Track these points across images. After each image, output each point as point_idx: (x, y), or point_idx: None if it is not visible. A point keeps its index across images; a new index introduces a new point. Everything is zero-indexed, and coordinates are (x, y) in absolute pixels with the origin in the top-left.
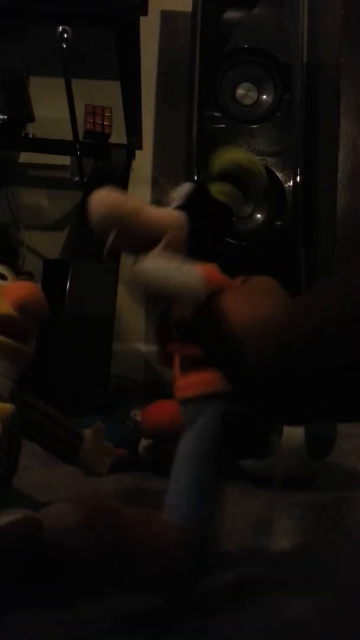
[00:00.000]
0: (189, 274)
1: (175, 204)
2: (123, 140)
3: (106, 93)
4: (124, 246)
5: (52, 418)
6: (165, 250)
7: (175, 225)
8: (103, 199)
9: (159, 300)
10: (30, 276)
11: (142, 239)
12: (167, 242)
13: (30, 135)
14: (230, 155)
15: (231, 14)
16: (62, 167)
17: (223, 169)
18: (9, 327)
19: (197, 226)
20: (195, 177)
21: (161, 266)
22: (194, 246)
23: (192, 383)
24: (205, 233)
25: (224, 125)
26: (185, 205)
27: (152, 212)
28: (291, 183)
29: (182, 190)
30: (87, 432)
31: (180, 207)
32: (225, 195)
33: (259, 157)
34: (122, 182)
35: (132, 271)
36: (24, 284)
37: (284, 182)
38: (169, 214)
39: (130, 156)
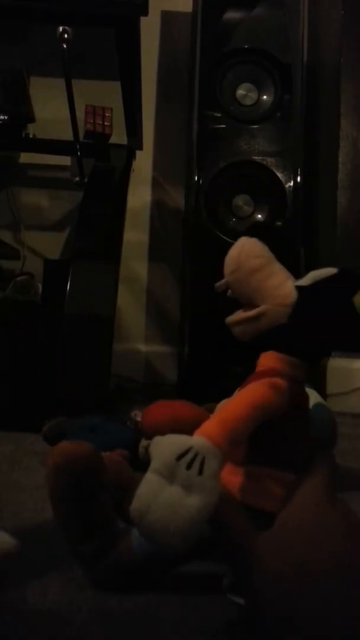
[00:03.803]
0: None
1: (303, 282)
2: (123, 140)
3: (106, 93)
4: (235, 292)
5: None
6: (253, 321)
7: (280, 302)
8: (242, 245)
9: None
10: (30, 276)
11: (245, 296)
12: (260, 312)
13: (31, 136)
14: None
15: (231, 14)
16: (62, 167)
17: None
18: None
19: (307, 319)
20: (196, 178)
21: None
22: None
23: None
24: (310, 333)
25: (224, 126)
26: (311, 290)
27: (270, 274)
28: (291, 183)
29: (320, 274)
30: None
31: (304, 288)
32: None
33: (259, 157)
34: (122, 182)
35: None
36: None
37: (284, 182)
38: (283, 287)
39: (130, 156)
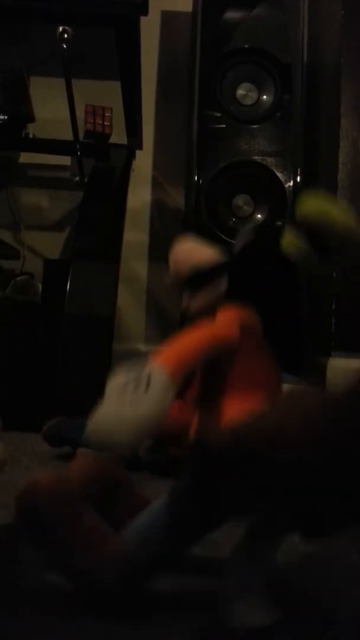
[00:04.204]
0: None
1: (235, 248)
2: (123, 140)
3: (106, 93)
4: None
5: None
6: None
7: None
8: (179, 247)
9: None
10: (30, 276)
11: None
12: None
13: (31, 136)
14: (323, 207)
15: (231, 14)
16: (62, 167)
17: (308, 217)
18: None
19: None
20: (196, 178)
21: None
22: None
23: None
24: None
25: (224, 125)
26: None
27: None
28: (291, 183)
29: (243, 236)
30: None
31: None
32: (296, 249)
33: (259, 157)
34: (122, 182)
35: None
36: None
37: (284, 182)
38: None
39: (130, 156)
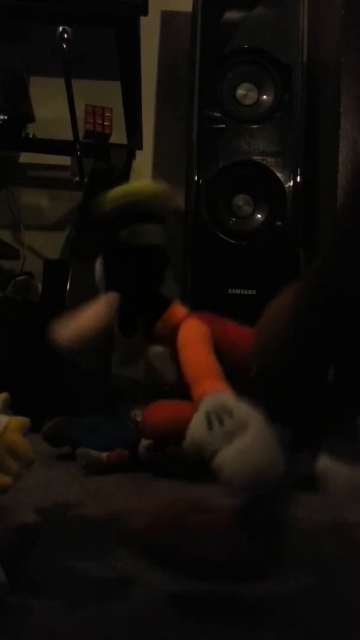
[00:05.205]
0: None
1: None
2: (123, 140)
3: (106, 93)
4: None
5: None
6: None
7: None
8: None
9: None
10: (30, 276)
11: None
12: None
13: (30, 136)
14: (119, 193)
15: (231, 14)
16: (62, 167)
17: (120, 204)
18: None
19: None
20: (196, 178)
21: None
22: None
23: None
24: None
25: (224, 126)
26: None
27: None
28: (291, 183)
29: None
30: None
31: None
32: (142, 238)
33: (259, 157)
34: (122, 182)
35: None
36: None
37: (284, 182)
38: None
39: (130, 156)
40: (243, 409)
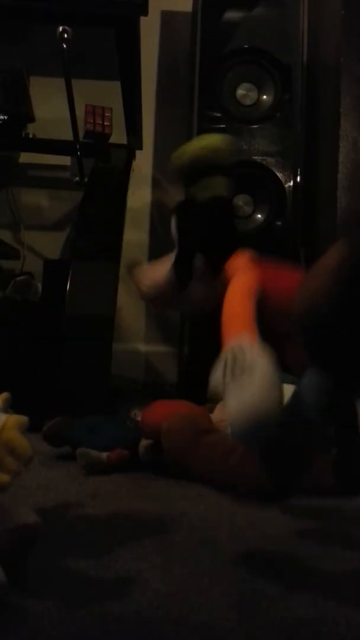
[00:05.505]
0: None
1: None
2: (123, 140)
3: (106, 93)
4: None
5: None
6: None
7: None
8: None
9: None
10: (30, 276)
11: None
12: None
13: (30, 136)
14: (193, 148)
15: (231, 14)
16: (62, 167)
17: (193, 162)
18: None
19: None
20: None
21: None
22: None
23: None
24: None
25: (224, 126)
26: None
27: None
28: (291, 183)
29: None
30: None
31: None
32: (210, 190)
33: (259, 157)
34: (122, 182)
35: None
36: None
37: (284, 182)
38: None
39: (130, 156)
40: (254, 353)
